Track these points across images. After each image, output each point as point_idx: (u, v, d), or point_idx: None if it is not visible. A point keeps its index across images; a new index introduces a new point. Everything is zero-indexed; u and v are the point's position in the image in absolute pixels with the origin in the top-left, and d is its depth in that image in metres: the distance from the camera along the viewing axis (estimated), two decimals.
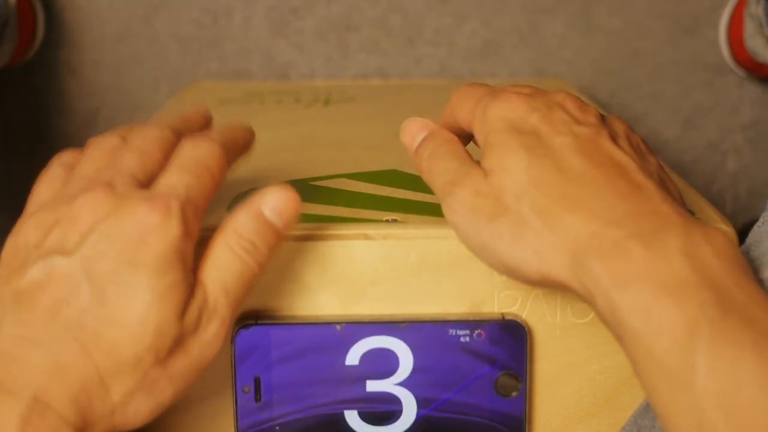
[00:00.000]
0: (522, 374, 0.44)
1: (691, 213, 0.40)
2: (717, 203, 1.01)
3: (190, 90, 0.84)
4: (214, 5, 0.96)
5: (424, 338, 0.43)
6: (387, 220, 0.45)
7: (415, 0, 0.97)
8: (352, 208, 0.47)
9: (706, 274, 0.33)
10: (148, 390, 0.35)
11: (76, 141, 0.98)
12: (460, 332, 0.43)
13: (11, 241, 0.37)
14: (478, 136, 0.40)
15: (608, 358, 0.45)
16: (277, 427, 0.44)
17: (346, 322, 0.43)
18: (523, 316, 0.44)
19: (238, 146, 0.42)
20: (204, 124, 0.44)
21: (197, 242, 0.37)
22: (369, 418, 0.44)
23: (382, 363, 0.43)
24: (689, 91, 1.00)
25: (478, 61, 0.98)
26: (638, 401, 0.45)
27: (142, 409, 0.35)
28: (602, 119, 0.40)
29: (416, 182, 0.51)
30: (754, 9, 0.89)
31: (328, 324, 0.43)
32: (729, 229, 0.43)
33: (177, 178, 0.37)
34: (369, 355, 0.43)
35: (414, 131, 0.43)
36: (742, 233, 0.43)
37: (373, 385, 0.44)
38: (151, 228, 0.35)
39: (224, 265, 0.37)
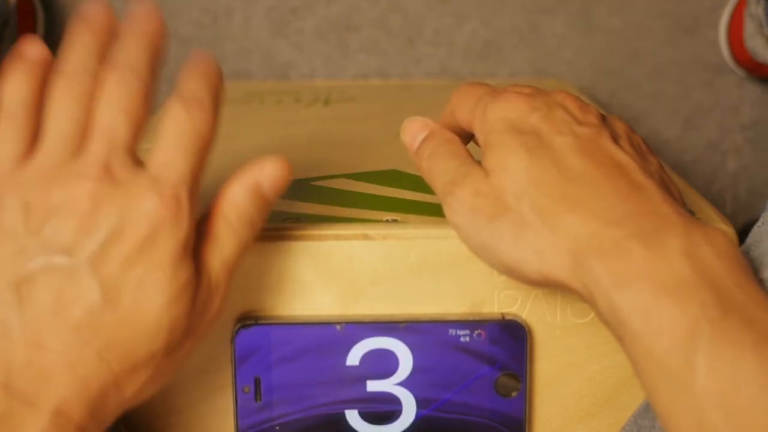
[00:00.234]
0: (522, 374, 0.44)
1: (692, 213, 0.40)
2: (717, 203, 1.01)
3: None
4: (214, 5, 0.96)
5: (424, 338, 0.43)
6: (387, 220, 0.45)
7: (415, 0, 0.97)
8: (352, 208, 0.47)
9: (707, 274, 0.33)
10: (157, 379, 0.36)
11: None
12: (460, 332, 0.43)
13: None
14: (479, 136, 0.40)
15: (608, 358, 0.45)
16: (277, 427, 0.44)
17: (346, 322, 0.43)
18: (523, 316, 0.44)
19: (219, 91, 0.40)
20: (112, 29, 0.41)
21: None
22: (369, 418, 0.44)
23: (382, 363, 0.43)
24: (689, 91, 1.00)
25: (478, 61, 0.98)
26: (638, 401, 0.45)
27: (147, 394, 0.36)
28: (603, 119, 0.40)
29: (416, 182, 0.51)
30: (754, 9, 0.89)
31: (328, 324, 0.43)
32: (729, 229, 0.43)
33: (180, 160, 0.36)
34: (369, 355, 0.43)
35: (414, 131, 0.43)
36: (742, 233, 0.43)
37: (373, 385, 0.44)
38: (161, 225, 0.34)
39: (224, 242, 0.37)
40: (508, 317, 0.43)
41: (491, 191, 0.38)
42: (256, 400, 0.44)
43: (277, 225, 0.43)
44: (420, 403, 0.44)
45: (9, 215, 0.34)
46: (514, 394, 0.44)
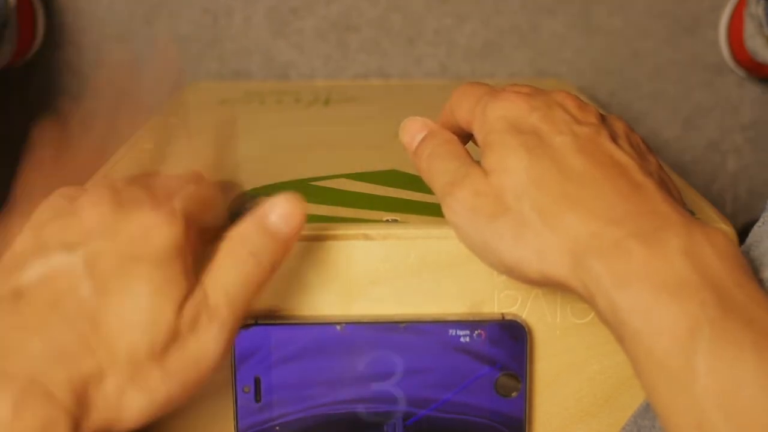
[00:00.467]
0: (522, 374, 0.44)
1: (691, 213, 0.40)
2: (717, 203, 1.01)
3: (190, 90, 0.84)
4: (214, 5, 0.96)
5: (424, 338, 0.43)
6: (387, 220, 0.45)
7: (415, 0, 0.97)
8: (352, 208, 0.47)
9: (707, 273, 0.33)
10: (141, 384, 0.35)
11: None
12: (460, 332, 0.43)
13: (8, 252, 0.37)
14: (478, 136, 0.40)
15: (608, 358, 0.45)
16: (277, 427, 0.44)
17: (346, 322, 0.43)
18: (523, 316, 0.44)
19: (228, 192, 0.43)
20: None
21: (201, 256, 0.37)
22: (369, 418, 0.44)
23: (382, 363, 0.43)
24: (689, 91, 1.00)
25: (478, 61, 0.98)
26: (638, 401, 0.45)
27: (134, 405, 0.35)
28: (602, 119, 0.40)
29: (416, 182, 0.51)
30: (754, 9, 0.89)
31: (328, 324, 0.43)
32: (729, 229, 0.43)
33: (178, 198, 0.38)
34: (369, 355, 0.43)
35: (413, 131, 0.43)
36: (742, 233, 0.43)
37: (373, 386, 0.44)
38: (153, 225, 0.36)
39: (227, 270, 0.37)
40: (508, 317, 0.43)
41: (491, 191, 0.38)
42: (256, 400, 0.44)
43: None
44: (420, 403, 0.44)
45: (20, 242, 0.37)
46: (514, 394, 0.44)
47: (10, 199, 0.40)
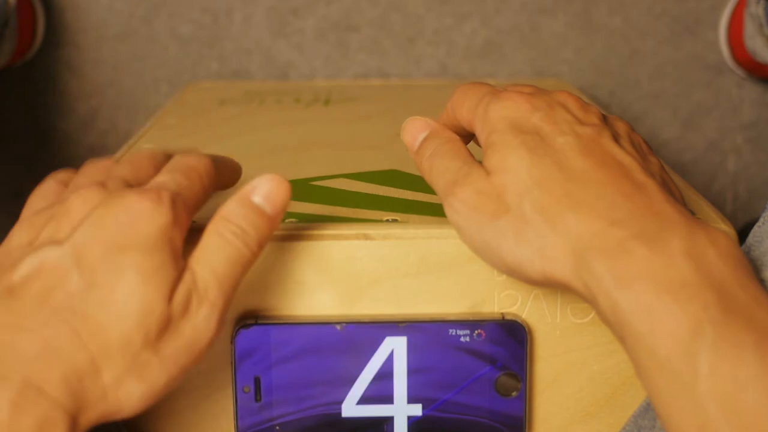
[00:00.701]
0: (522, 374, 0.44)
1: (692, 213, 0.40)
2: (717, 203, 1.01)
3: (190, 90, 0.84)
4: (214, 5, 0.96)
5: (424, 338, 0.43)
6: (387, 220, 0.45)
7: (415, 0, 0.97)
8: (352, 208, 0.47)
9: (709, 274, 0.33)
10: (139, 373, 0.35)
11: (76, 141, 0.98)
12: (460, 332, 0.43)
13: (4, 246, 0.37)
14: (480, 136, 0.40)
15: (608, 358, 0.45)
16: (277, 427, 0.44)
17: (346, 322, 0.43)
18: (523, 316, 0.44)
19: (227, 169, 0.43)
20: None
21: (189, 237, 0.37)
22: (369, 418, 0.44)
23: (382, 363, 0.43)
24: (689, 91, 1.00)
25: (478, 61, 0.98)
26: (638, 401, 0.45)
27: (134, 394, 0.35)
28: (604, 119, 0.40)
29: (416, 182, 0.51)
30: (754, 9, 0.89)
31: (328, 324, 0.43)
32: (729, 229, 0.43)
33: (167, 177, 0.38)
34: (368, 356, 0.43)
35: (415, 130, 0.43)
36: (742, 233, 0.43)
37: (372, 385, 0.44)
38: (141, 214, 0.35)
39: (213, 250, 0.37)
40: (508, 317, 0.43)
41: (493, 191, 0.38)
42: (256, 400, 0.44)
43: None
44: (420, 402, 0.44)
45: (16, 237, 0.37)
46: (514, 394, 0.44)
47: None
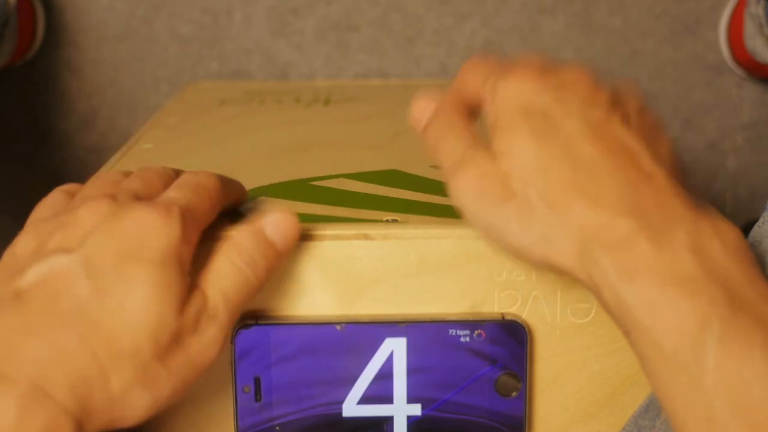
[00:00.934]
0: (522, 374, 0.44)
1: (700, 202, 0.39)
2: (717, 203, 1.01)
3: (190, 90, 0.84)
4: (214, 5, 0.96)
5: (424, 338, 0.43)
6: (387, 220, 0.45)
7: (415, 0, 0.97)
8: (352, 208, 0.47)
9: (715, 270, 0.33)
10: (147, 384, 0.35)
11: (76, 141, 0.98)
12: (460, 332, 0.43)
13: (9, 252, 0.37)
14: (488, 116, 0.40)
15: (608, 358, 0.45)
16: (277, 427, 0.44)
17: (346, 322, 0.43)
18: (523, 316, 0.44)
19: (234, 190, 0.44)
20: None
21: (199, 255, 0.38)
22: (369, 418, 0.44)
23: (382, 363, 0.43)
24: (689, 91, 1.00)
25: None
26: (638, 401, 0.45)
27: (140, 404, 0.35)
28: (615, 98, 0.39)
29: (416, 182, 0.51)
30: (754, 9, 0.89)
31: (328, 324, 0.43)
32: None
33: (177, 193, 0.39)
34: (369, 356, 0.43)
35: (422, 108, 0.43)
36: (742, 233, 0.43)
37: (373, 385, 0.44)
38: (151, 227, 0.36)
39: (224, 275, 0.38)
40: (508, 317, 0.43)
41: (498, 175, 0.37)
42: (256, 400, 0.44)
43: None
44: (420, 402, 0.44)
45: (22, 244, 0.37)
46: (514, 394, 0.44)
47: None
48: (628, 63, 0.99)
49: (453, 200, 0.39)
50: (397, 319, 0.43)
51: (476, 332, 0.43)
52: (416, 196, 0.49)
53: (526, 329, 0.43)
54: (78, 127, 0.98)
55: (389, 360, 0.43)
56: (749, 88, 1.00)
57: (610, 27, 0.98)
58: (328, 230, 0.43)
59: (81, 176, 0.48)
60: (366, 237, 0.43)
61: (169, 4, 0.96)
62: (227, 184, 0.43)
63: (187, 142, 0.63)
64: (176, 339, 0.36)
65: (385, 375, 0.44)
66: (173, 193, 0.39)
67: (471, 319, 0.43)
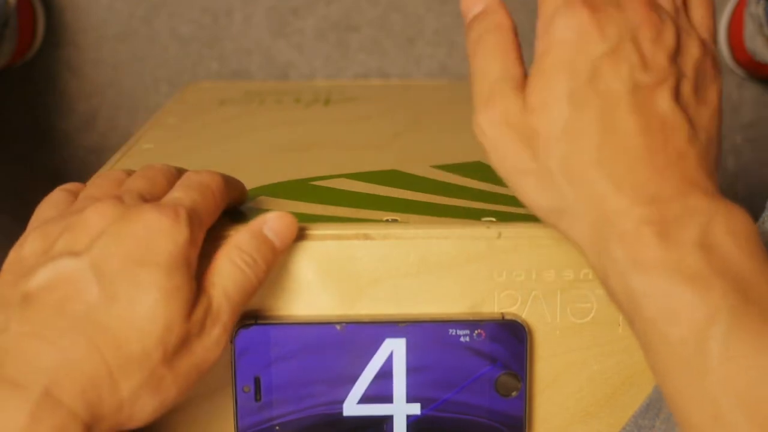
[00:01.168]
0: (522, 374, 0.44)
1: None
2: None
3: (190, 90, 0.84)
4: (214, 5, 0.96)
5: (424, 338, 0.43)
6: (387, 220, 0.45)
7: (415, 0, 0.97)
8: (352, 208, 0.47)
9: (726, 266, 0.32)
10: (155, 388, 0.35)
11: (76, 141, 0.98)
12: (460, 332, 0.43)
13: (15, 252, 0.37)
14: (538, 45, 0.38)
15: (608, 358, 0.45)
16: (277, 427, 0.44)
17: (346, 322, 0.43)
18: (523, 316, 0.44)
19: (236, 189, 0.44)
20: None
21: (201, 255, 0.38)
22: (369, 417, 0.44)
23: (381, 363, 0.43)
24: None
25: None
26: (638, 401, 0.45)
27: (147, 407, 0.36)
28: (675, 56, 0.37)
29: (416, 182, 0.51)
30: (754, 9, 0.89)
31: (328, 324, 0.43)
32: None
33: (182, 193, 0.39)
34: (369, 356, 0.43)
35: (471, 1, 0.41)
36: (754, 221, 0.43)
37: (372, 385, 0.44)
38: (159, 230, 0.36)
39: (226, 275, 0.38)
40: (508, 317, 0.43)
41: (525, 128, 0.36)
42: (256, 399, 0.44)
43: None
44: (420, 402, 0.44)
45: (29, 245, 0.37)
46: (514, 393, 0.44)
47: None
48: None
49: (474, 128, 0.38)
50: (397, 319, 0.43)
51: (476, 332, 0.43)
52: (416, 196, 0.49)
53: (526, 329, 0.43)
54: (78, 127, 0.98)
55: (389, 360, 0.43)
56: (749, 88, 1.00)
57: None
58: (328, 230, 0.43)
59: (81, 176, 0.48)
60: (366, 237, 0.43)
61: (169, 4, 0.96)
62: (230, 183, 0.43)
63: (187, 142, 0.63)
64: (183, 343, 0.36)
65: (385, 375, 0.44)
66: (178, 193, 0.39)
67: (471, 318, 0.43)
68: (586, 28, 0.36)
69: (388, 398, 0.44)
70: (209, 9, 0.96)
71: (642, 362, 0.39)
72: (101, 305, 0.35)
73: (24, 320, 0.34)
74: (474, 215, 0.45)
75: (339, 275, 0.43)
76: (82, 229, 0.36)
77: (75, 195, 0.41)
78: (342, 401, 0.44)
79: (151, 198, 0.39)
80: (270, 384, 0.43)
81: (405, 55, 0.98)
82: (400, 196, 0.49)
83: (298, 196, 0.49)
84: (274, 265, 0.41)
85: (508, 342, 0.43)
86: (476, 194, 0.49)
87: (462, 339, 0.43)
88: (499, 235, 0.43)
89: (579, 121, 0.35)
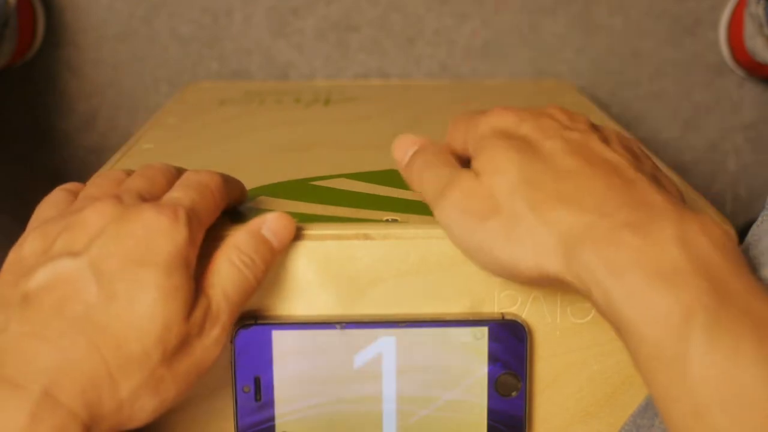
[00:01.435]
0: (522, 374, 0.44)
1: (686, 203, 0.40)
2: (717, 203, 1.01)
3: (190, 90, 0.84)
4: (214, 5, 0.96)
5: (424, 338, 0.43)
6: (387, 220, 0.45)
7: (415, 0, 0.97)
8: (352, 208, 0.47)
9: (702, 262, 0.33)
10: (154, 388, 0.35)
11: (76, 141, 0.98)
12: (460, 332, 0.43)
13: (15, 252, 0.38)
14: (470, 149, 0.41)
15: (608, 358, 0.45)
16: (277, 427, 0.44)
17: (346, 322, 0.43)
18: (523, 316, 0.44)
19: (235, 188, 0.45)
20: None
21: (200, 255, 0.38)
22: (368, 417, 0.44)
23: (381, 363, 0.43)
24: (689, 91, 1.00)
25: (478, 61, 0.98)
26: (638, 401, 0.45)
27: (147, 407, 0.36)
28: (593, 125, 0.41)
29: None
30: (754, 9, 0.89)
31: (328, 324, 0.43)
32: (729, 229, 0.43)
33: (181, 193, 0.39)
34: (369, 355, 0.43)
35: (405, 146, 0.45)
36: (742, 233, 0.43)
37: (372, 385, 0.44)
38: (158, 230, 0.36)
39: (225, 276, 0.39)
40: (508, 317, 0.44)
41: (483, 191, 0.38)
42: (255, 399, 0.44)
43: None
44: (420, 402, 0.44)
45: (28, 245, 0.37)
46: (514, 393, 0.44)
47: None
48: (628, 63, 0.99)
49: (439, 222, 0.40)
50: (396, 319, 0.43)
51: (476, 332, 0.43)
52: (416, 196, 0.49)
53: (526, 329, 0.43)
54: (78, 127, 0.98)
55: (389, 359, 0.43)
56: (749, 88, 1.00)
57: (610, 27, 0.98)
58: (328, 230, 0.43)
59: (81, 176, 0.48)
60: (366, 237, 0.43)
61: (169, 4, 0.96)
62: (229, 183, 0.43)
63: (187, 142, 0.63)
64: (183, 344, 0.36)
65: (385, 374, 0.44)
66: (177, 193, 0.39)
67: (471, 319, 0.43)
68: (505, 117, 0.41)
69: (388, 398, 0.44)
70: (209, 9, 0.96)
71: None
72: (100, 305, 0.35)
73: (24, 320, 0.34)
74: None
75: (339, 275, 0.43)
76: (81, 229, 0.36)
77: (75, 195, 0.41)
78: (341, 401, 0.44)
79: (150, 198, 0.39)
80: (270, 384, 0.43)
81: (405, 55, 0.98)
82: (400, 196, 0.49)
83: (298, 196, 0.49)
84: (273, 265, 0.41)
85: (508, 342, 0.43)
86: None
87: (462, 339, 0.43)
88: None
89: (530, 165, 0.38)
